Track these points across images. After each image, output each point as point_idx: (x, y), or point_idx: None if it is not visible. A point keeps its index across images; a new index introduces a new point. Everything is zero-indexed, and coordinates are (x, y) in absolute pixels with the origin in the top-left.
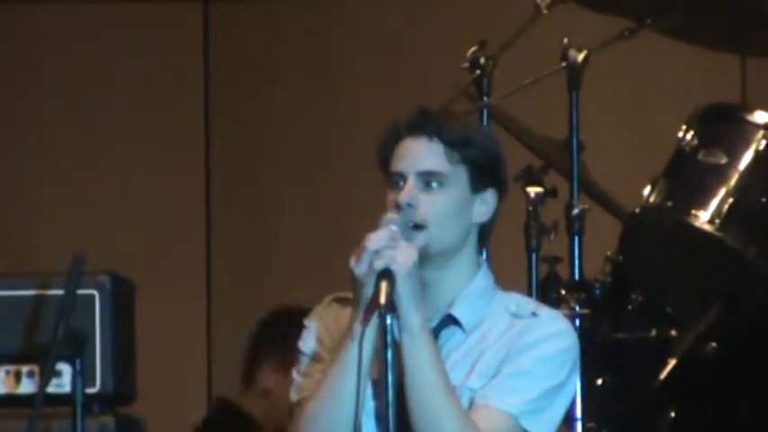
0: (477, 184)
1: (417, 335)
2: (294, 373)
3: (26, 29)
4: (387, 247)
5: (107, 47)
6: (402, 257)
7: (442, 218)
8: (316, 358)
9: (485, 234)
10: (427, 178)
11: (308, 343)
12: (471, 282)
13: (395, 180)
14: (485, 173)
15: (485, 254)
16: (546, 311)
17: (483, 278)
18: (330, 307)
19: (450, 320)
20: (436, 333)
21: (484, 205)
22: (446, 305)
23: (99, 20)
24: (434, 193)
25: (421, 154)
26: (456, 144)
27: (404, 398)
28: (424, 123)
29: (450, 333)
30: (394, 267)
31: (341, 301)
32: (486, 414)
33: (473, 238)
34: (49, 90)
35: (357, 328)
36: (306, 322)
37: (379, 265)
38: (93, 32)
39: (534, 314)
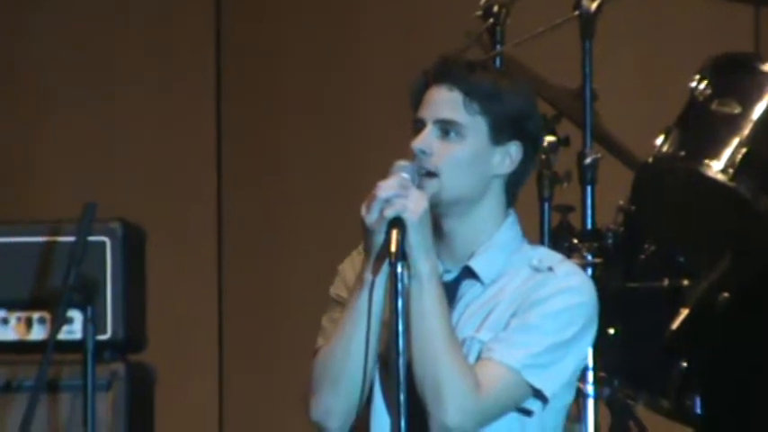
0: (498, 136)
1: (426, 282)
2: (323, 319)
3: None
4: (397, 195)
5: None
6: (413, 205)
7: (455, 166)
8: (343, 304)
9: (511, 187)
10: (445, 127)
11: (337, 288)
12: (494, 234)
13: (417, 127)
14: (507, 125)
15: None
16: (564, 267)
17: (507, 231)
18: (363, 254)
19: (469, 272)
20: (456, 284)
21: (507, 158)
22: (467, 257)
23: None
24: (451, 142)
25: (439, 102)
26: (475, 94)
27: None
28: (445, 72)
29: (469, 285)
30: (405, 215)
31: None
32: (488, 366)
33: (496, 190)
34: (55, 36)
35: (368, 276)
36: (339, 267)
37: (390, 213)
38: None
39: (551, 269)
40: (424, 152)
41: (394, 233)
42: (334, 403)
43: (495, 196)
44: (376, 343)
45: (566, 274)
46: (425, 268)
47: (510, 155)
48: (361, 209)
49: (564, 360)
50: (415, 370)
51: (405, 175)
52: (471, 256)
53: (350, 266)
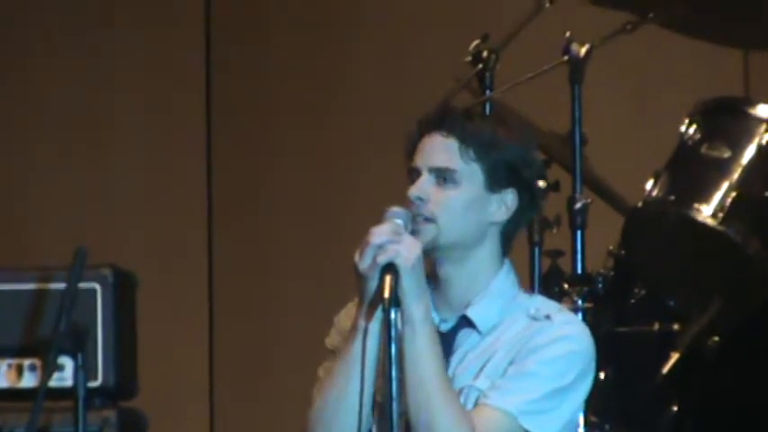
0: (494, 184)
1: (419, 327)
2: (319, 370)
3: (19, 14)
4: (390, 241)
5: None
6: (406, 251)
7: (451, 213)
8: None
9: (506, 235)
10: (440, 174)
11: (333, 339)
12: (491, 282)
13: (412, 175)
14: (503, 173)
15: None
16: (562, 316)
17: (503, 279)
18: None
19: (467, 322)
20: (453, 334)
21: (503, 205)
22: (464, 306)
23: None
24: (446, 189)
25: (435, 149)
26: (471, 141)
27: None
28: (441, 119)
29: (467, 334)
30: (398, 261)
31: None
32: (484, 412)
33: (492, 238)
34: (46, 73)
35: (361, 323)
36: (335, 318)
37: (383, 259)
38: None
39: (548, 317)
40: (421, 199)
41: (387, 279)
42: None
43: (492, 243)
44: (371, 390)
45: (563, 323)
46: (419, 313)
47: (505, 203)
48: (355, 255)
49: (560, 407)
50: (411, 415)
51: (398, 221)
52: (468, 305)
53: (345, 317)
